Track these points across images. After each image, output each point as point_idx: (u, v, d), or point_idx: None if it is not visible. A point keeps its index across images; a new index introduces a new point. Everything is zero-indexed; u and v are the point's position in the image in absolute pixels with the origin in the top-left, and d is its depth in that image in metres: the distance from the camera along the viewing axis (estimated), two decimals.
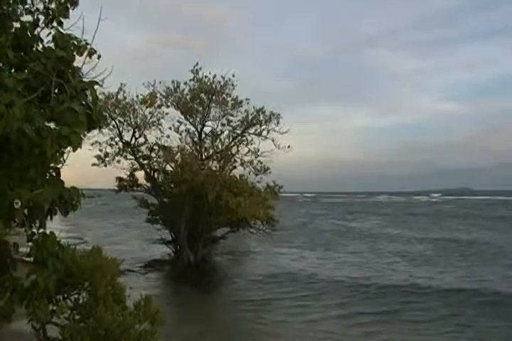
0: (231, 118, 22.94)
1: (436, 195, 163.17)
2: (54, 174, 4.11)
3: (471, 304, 16.50)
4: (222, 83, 22.21)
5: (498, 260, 26.17)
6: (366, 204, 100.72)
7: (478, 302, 16.74)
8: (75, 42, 4.03)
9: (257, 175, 22.62)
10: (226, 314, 16.05)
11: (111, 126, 21.99)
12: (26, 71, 3.97)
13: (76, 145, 3.80)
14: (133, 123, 22.38)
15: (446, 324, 14.25)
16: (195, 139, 23.48)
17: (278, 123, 22.05)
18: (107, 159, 22.31)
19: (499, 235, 37.85)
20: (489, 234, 38.69)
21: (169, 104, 22.77)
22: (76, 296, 5.31)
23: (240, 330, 13.87)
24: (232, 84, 22.37)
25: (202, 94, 22.50)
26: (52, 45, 4.00)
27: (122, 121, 22.26)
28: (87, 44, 4.08)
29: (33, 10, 4.29)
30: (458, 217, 59.79)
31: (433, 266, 24.36)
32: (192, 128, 23.49)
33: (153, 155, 22.98)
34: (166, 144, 22.90)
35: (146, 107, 22.30)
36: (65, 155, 4.08)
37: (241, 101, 22.64)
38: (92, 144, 21.66)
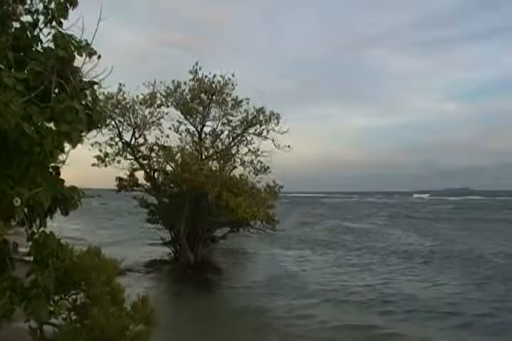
0: (231, 118, 22.96)
1: (425, 196, 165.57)
2: (54, 173, 4.12)
3: None
4: (222, 83, 22.22)
5: None
6: (363, 205, 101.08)
7: None
8: (75, 43, 4.04)
9: (257, 175, 22.63)
10: (226, 314, 16.03)
11: (110, 126, 22.00)
12: (26, 71, 3.98)
13: (76, 142, 3.81)
14: (133, 123, 22.38)
15: None
16: (195, 139, 23.48)
17: (278, 123, 22.06)
18: (107, 159, 22.33)
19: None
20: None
21: (169, 104, 22.78)
22: (74, 297, 5.31)
23: (241, 330, 13.85)
24: (233, 84, 22.40)
25: (202, 94, 22.50)
26: (51, 44, 4.01)
27: (122, 121, 22.26)
28: (87, 44, 4.09)
29: (32, 10, 4.29)
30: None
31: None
32: (192, 128, 23.53)
33: (153, 155, 22.99)
34: (165, 144, 22.92)
35: (146, 107, 22.31)
36: (66, 155, 4.09)
37: (241, 101, 22.64)
38: (92, 145, 21.69)
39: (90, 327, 5.06)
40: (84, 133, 4.03)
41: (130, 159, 22.95)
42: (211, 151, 23.05)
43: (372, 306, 16.56)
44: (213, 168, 22.40)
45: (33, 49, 4.16)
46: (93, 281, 5.08)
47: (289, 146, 21.76)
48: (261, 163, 22.41)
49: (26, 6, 4.30)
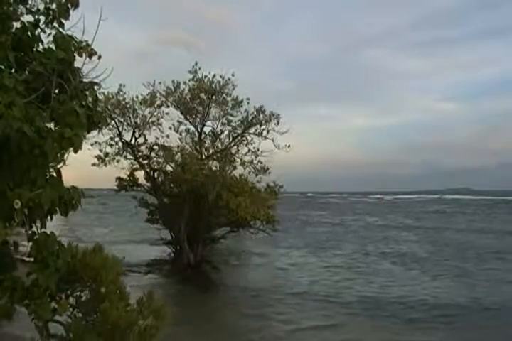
0: (231, 118, 22.92)
1: (388, 197, 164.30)
2: (54, 174, 4.12)
3: None
4: (221, 83, 22.19)
5: None
6: (359, 205, 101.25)
7: None
8: (76, 43, 4.04)
9: (257, 175, 22.60)
10: (226, 314, 16.04)
11: (110, 126, 22.00)
12: (27, 71, 3.98)
13: (78, 147, 3.81)
14: (133, 123, 22.39)
15: None
16: (195, 139, 23.48)
17: (278, 123, 22.00)
18: (107, 159, 22.35)
19: None
20: None
21: (169, 103, 22.77)
22: (78, 294, 5.33)
23: (241, 331, 13.86)
24: (233, 85, 22.35)
25: (202, 94, 22.47)
26: (52, 45, 4.00)
27: (122, 120, 22.26)
28: (87, 45, 4.09)
29: (33, 10, 4.29)
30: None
31: None
32: (192, 128, 23.53)
33: (153, 155, 23.00)
34: (165, 144, 22.92)
35: (146, 107, 22.30)
36: (66, 156, 4.08)
37: (241, 101, 22.60)
38: (92, 144, 21.69)
39: (101, 322, 5.11)
40: (85, 134, 4.03)
41: (130, 159, 22.98)
42: (211, 151, 23.05)
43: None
44: (213, 168, 22.39)
45: (34, 49, 4.15)
46: (102, 279, 5.13)
47: (289, 146, 21.72)
48: (261, 163, 22.41)
49: (27, 6, 4.29)
